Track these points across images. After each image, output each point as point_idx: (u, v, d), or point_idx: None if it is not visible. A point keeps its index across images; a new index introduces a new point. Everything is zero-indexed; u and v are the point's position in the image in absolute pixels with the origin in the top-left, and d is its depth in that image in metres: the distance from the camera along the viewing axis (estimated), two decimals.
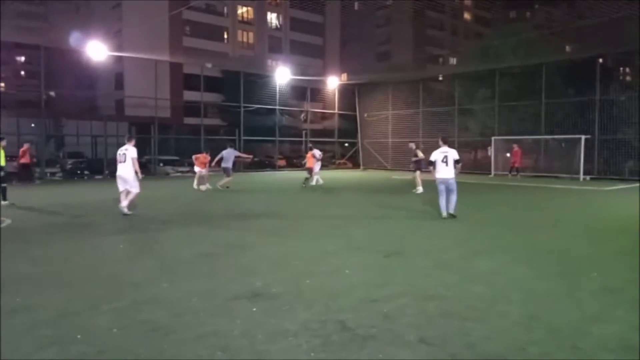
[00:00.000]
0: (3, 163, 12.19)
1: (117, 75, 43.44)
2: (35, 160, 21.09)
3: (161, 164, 26.38)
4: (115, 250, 6.87)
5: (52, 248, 7.08)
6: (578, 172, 21.97)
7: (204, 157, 17.17)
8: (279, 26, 57.19)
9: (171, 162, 27.33)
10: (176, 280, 5.28)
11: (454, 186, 9.74)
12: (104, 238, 7.81)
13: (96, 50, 23.14)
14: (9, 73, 64.28)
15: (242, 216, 10.38)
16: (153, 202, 13.02)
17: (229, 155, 16.76)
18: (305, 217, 10.37)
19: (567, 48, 31.79)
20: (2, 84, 56.49)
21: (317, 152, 18.74)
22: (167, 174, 25.62)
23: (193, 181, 17.27)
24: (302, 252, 6.78)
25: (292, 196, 15.36)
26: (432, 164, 9.92)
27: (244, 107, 28.49)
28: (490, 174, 25.52)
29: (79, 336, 3.65)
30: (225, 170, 16.65)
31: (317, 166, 18.58)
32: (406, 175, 19.42)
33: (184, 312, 4.20)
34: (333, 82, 33.25)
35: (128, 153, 9.93)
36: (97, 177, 23.01)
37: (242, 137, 28.10)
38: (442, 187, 9.78)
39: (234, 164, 17.54)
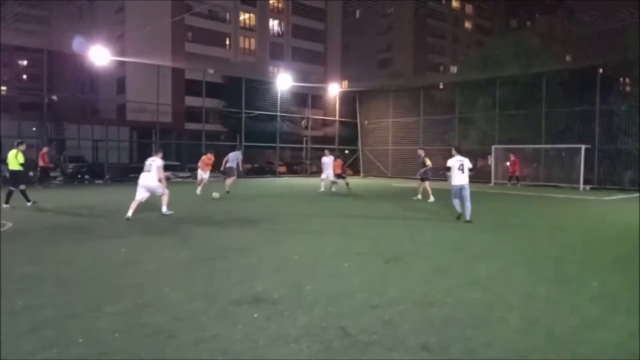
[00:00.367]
0: (21, 166, 12.31)
1: (119, 80, 43.60)
2: (52, 165, 21.55)
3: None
4: (117, 254, 6.88)
5: (54, 250, 7.09)
6: (578, 182, 22.00)
7: (208, 157, 16.51)
8: (280, 33, 57.48)
9: (172, 167, 27.37)
10: (177, 283, 5.29)
11: (468, 192, 10.36)
12: (105, 241, 7.82)
13: (99, 55, 23.25)
14: (11, 76, 64.55)
15: (243, 220, 10.40)
16: (154, 207, 13.02)
17: (234, 156, 16.62)
18: (306, 222, 10.38)
19: (568, 57, 31.94)
20: (4, 87, 56.63)
21: (328, 158, 18.77)
22: (168, 179, 25.56)
23: (196, 188, 16.31)
24: (303, 256, 6.80)
25: (293, 201, 15.38)
26: (449, 169, 10.54)
27: (245, 113, 28.58)
28: (490, 182, 25.56)
29: (80, 340, 3.66)
30: (229, 170, 16.36)
31: (330, 172, 18.50)
32: (407, 183, 19.44)
33: (185, 316, 4.21)
34: (334, 89, 33.38)
35: (154, 163, 10.51)
36: (97, 181, 23.04)
37: (243, 143, 28.16)
38: (457, 193, 10.45)
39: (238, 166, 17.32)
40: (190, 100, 38.00)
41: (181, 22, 43.73)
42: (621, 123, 22.71)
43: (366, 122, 33.47)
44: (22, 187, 12.45)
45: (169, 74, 38.34)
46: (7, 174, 12.72)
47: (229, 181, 16.45)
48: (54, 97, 32.83)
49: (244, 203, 14.46)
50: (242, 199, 15.58)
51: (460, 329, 3.99)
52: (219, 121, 40.17)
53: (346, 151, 36.69)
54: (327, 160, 18.52)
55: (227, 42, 52.97)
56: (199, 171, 16.51)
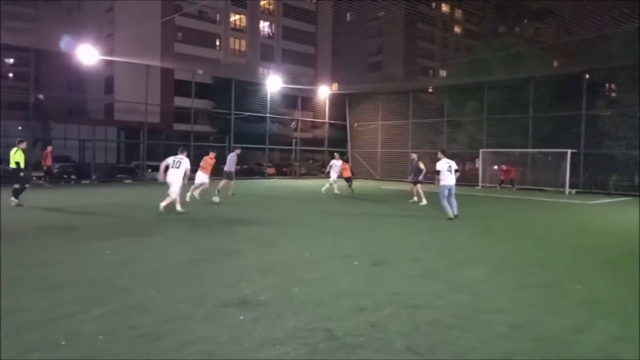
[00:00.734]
0: (23, 164, 12.42)
1: (107, 80, 43.24)
2: (56, 164, 22.06)
3: (149, 170, 26.21)
4: (103, 255, 6.81)
5: (39, 251, 6.99)
6: (564, 186, 22.27)
7: (211, 158, 14.66)
8: (271, 34, 57.44)
9: (160, 168, 27.14)
10: (164, 286, 5.25)
11: (454, 190, 11.51)
12: (92, 243, 7.74)
13: (87, 54, 23.02)
14: None
15: (232, 222, 10.36)
16: (142, 208, 12.93)
17: (231, 159, 16.43)
18: (295, 225, 10.37)
19: (555, 63, 32.31)
20: None
21: (337, 161, 19.04)
22: (156, 180, 25.39)
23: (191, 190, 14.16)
24: (291, 259, 6.79)
25: (283, 203, 15.34)
26: (439, 172, 11.58)
27: (235, 114, 28.48)
28: (477, 185, 25.78)
29: (63, 343, 3.62)
30: (229, 173, 16.23)
31: (335, 174, 18.75)
32: (396, 186, 19.53)
33: (171, 319, 4.18)
34: (324, 92, 33.42)
35: (183, 162, 11.24)
36: (83, 182, 22.78)
37: (232, 144, 28.05)
38: (446, 192, 11.40)
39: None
40: (180, 101, 37.80)
41: (171, 22, 43.49)
42: (606, 128, 23.05)
43: (355, 125, 33.58)
44: (16, 185, 12.48)
45: (158, 74, 38.16)
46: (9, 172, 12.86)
47: (230, 183, 16.32)
48: (41, 96, 32.49)
49: (234, 205, 14.39)
50: (232, 200, 15.50)
51: (446, 332, 4.01)
52: (208, 122, 39.98)
53: (335, 153, 36.76)
54: (337, 163, 18.84)
55: (217, 43, 52.81)
56: (200, 173, 14.19)
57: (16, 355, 3.38)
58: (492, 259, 7.18)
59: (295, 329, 3.97)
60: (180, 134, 34.76)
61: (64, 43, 24.78)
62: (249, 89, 30.23)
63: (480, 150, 26.10)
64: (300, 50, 57.83)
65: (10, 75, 66.81)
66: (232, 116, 28.33)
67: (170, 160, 11.41)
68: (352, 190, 18.96)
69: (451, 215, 11.27)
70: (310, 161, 41.24)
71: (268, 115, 30.10)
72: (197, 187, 14.26)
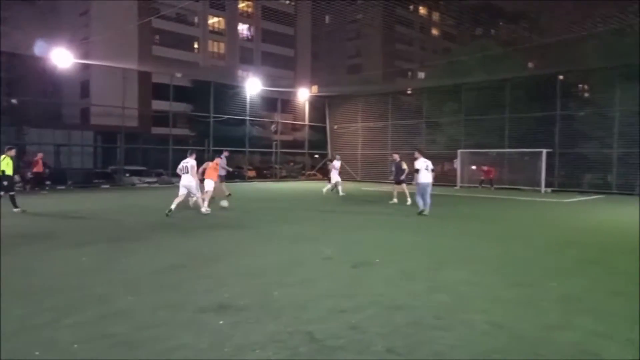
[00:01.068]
0: (10, 172, 12.29)
1: (83, 83, 42.47)
2: (47, 170, 21.30)
3: (127, 174, 25.83)
4: (80, 262, 6.67)
5: (14, 259, 6.81)
6: (540, 185, 22.69)
7: (216, 163, 13.87)
8: (250, 37, 57.22)
9: (138, 172, 26.79)
10: (142, 292, 5.17)
11: (430, 189, 12.37)
12: (68, 250, 7.57)
13: (61, 58, 22.58)
14: None
15: (214, 227, 10.26)
16: (120, 213, 12.72)
17: (221, 162, 16.46)
18: (276, 228, 10.32)
19: (530, 65, 32.93)
20: None
21: (336, 163, 19.21)
22: (134, 184, 25.09)
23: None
24: (271, 262, 6.75)
25: (264, 206, 15.27)
26: (418, 171, 12.34)
27: (214, 117, 28.27)
28: (456, 185, 26.10)
29: (37, 352, 3.53)
30: (222, 177, 16.39)
31: (337, 175, 18.96)
32: (377, 187, 19.64)
33: (149, 326, 4.11)
34: (304, 94, 33.43)
35: (189, 164, 11.86)
36: (59, 187, 22.31)
37: (212, 148, 27.83)
38: (422, 190, 12.24)
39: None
40: (158, 104, 37.37)
41: (148, 25, 42.99)
42: (580, 128, 23.57)
43: (336, 127, 33.68)
44: (11, 193, 12.39)
45: (136, 78, 37.64)
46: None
47: (223, 186, 16.33)
48: (14, 101, 31.69)
49: (214, 209, 14.24)
50: (212, 204, 15.33)
51: (426, 332, 4.04)
52: (187, 125, 39.60)
53: (316, 155, 36.80)
54: (337, 165, 19.07)
55: (196, 46, 52.38)
56: (210, 181, 13.18)
57: None
58: (472, 259, 7.26)
59: (275, 333, 3.94)
60: (159, 137, 34.27)
61: (38, 46, 24.27)
62: (229, 91, 30.04)
63: (459, 151, 26.43)
64: (279, 52, 57.75)
65: None
66: (212, 119, 28.12)
67: (180, 166, 12.07)
68: (331, 190, 19.10)
69: (423, 210, 12.23)
70: (291, 163, 41.19)
71: (248, 118, 29.96)
72: (206, 194, 13.32)
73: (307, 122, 34.06)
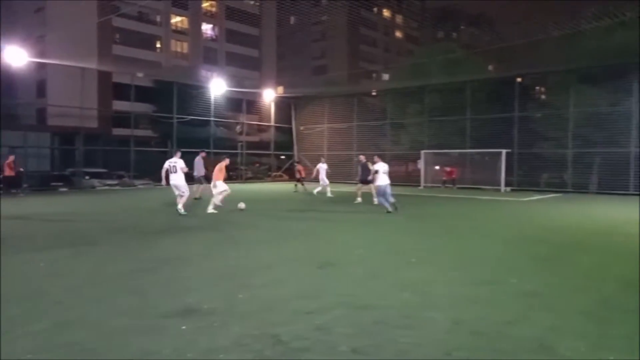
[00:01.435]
0: None
1: (39, 83, 40.88)
2: (21, 172, 20.57)
3: (87, 177, 25.02)
4: (37, 268, 6.41)
5: None
6: (500, 184, 23.36)
7: (223, 165, 13.71)
8: (214, 37, 56.52)
9: (98, 174, 25.99)
10: (104, 298, 5.02)
11: (390, 189, 13.34)
12: (25, 255, 7.27)
13: (14, 56, 21.68)
14: None
15: (179, 230, 10.07)
16: (80, 217, 12.32)
17: (199, 164, 16.70)
18: (243, 230, 10.23)
19: (490, 67, 33.85)
20: None
21: (322, 165, 19.51)
22: (94, 187, 24.33)
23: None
24: (237, 265, 6.69)
25: (230, 209, 15.09)
26: (377, 172, 13.39)
27: (177, 118, 27.77)
28: (420, 185, 26.56)
29: None
30: (198, 179, 16.72)
31: (325, 177, 19.25)
32: (343, 188, 19.77)
33: (110, 332, 4.00)
34: (269, 95, 33.28)
35: (178, 164, 12.11)
36: (12, 191, 21.39)
37: (175, 149, 27.29)
38: (382, 191, 13.21)
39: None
40: (119, 105, 36.43)
41: (108, 23, 41.86)
42: (537, 129, 24.42)
43: (302, 128, 33.68)
44: None
45: (95, 77, 36.55)
46: None
47: (200, 188, 16.84)
48: None
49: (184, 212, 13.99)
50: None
51: (391, 331, 4.08)
52: (150, 126, 38.74)
53: (282, 156, 36.68)
54: (324, 167, 19.38)
55: (158, 45, 51.33)
56: (220, 183, 13.23)
57: None
58: (436, 258, 7.40)
59: (240, 337, 3.90)
60: (120, 139, 33.42)
61: None
62: (192, 92, 29.57)
63: (422, 152, 26.90)
64: (244, 53, 57.27)
65: None
66: (175, 120, 27.61)
67: (167, 165, 12.18)
68: (296, 191, 19.18)
69: (390, 209, 12.97)
70: (257, 165, 40.91)
71: (212, 119, 29.58)
72: (221, 194, 13.42)
73: (273, 123, 33.92)
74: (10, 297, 5.06)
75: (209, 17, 56.34)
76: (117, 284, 5.62)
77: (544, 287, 5.65)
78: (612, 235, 9.80)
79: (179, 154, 12.47)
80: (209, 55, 55.04)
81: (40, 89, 41.20)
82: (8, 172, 18.89)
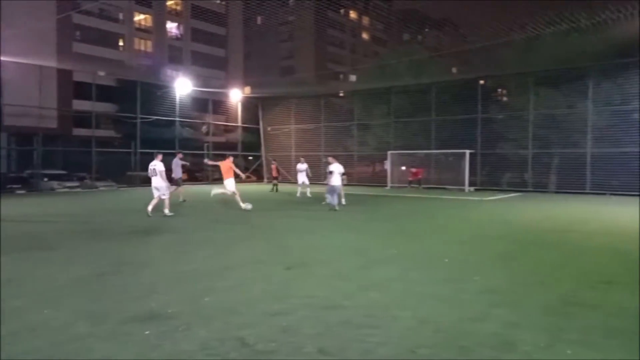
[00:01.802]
0: None
1: None
2: None
3: (46, 179, 24.17)
4: None
5: None
6: (464, 184, 23.90)
7: (230, 162, 14.39)
8: (179, 36, 55.57)
9: (57, 176, 25.13)
10: (62, 304, 4.86)
11: (340, 189, 14.50)
12: None
13: None
14: None
15: (142, 232, 9.85)
16: (37, 220, 11.89)
17: (176, 165, 16.81)
18: (208, 232, 10.10)
19: (454, 69, 34.56)
20: None
21: (301, 166, 19.44)
22: (53, 189, 23.53)
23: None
24: (202, 268, 6.60)
25: (196, 210, 14.89)
26: (332, 173, 14.00)
27: (141, 118, 27.17)
28: (386, 186, 26.87)
29: None
30: (175, 181, 16.55)
31: (303, 178, 19.21)
32: (311, 188, 19.77)
33: (68, 340, 3.88)
34: (236, 95, 32.97)
35: (157, 167, 12.34)
36: None
37: (139, 150, 26.75)
38: (333, 191, 13.98)
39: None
40: (79, 104, 35.33)
41: (67, 20, 40.54)
42: (499, 130, 25.10)
43: (269, 129, 33.53)
44: None
45: (54, 76, 35.38)
46: None
47: (180, 190, 16.83)
48: None
49: (146, 213, 13.69)
50: (144, 209, 14.73)
51: (357, 330, 4.12)
52: (112, 127, 37.76)
53: (250, 157, 36.40)
54: (302, 167, 19.28)
55: (121, 43, 50.05)
56: (229, 180, 14.11)
57: None
58: (401, 257, 7.51)
59: (205, 340, 3.86)
60: (81, 139, 32.45)
61: None
62: (157, 91, 29.00)
63: (389, 152, 27.23)
64: (210, 52, 56.54)
65: None
66: (139, 120, 27.01)
67: (149, 169, 12.51)
68: (272, 190, 19.28)
69: (337, 208, 13.84)
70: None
71: (177, 119, 29.10)
72: (235, 194, 14.32)
73: (239, 124, 33.64)
74: None
75: (174, 15, 55.38)
76: (75, 289, 5.46)
77: (505, 283, 5.81)
78: (568, 232, 10.18)
79: (160, 156, 12.62)
80: (174, 54, 54.08)
81: None
82: None
